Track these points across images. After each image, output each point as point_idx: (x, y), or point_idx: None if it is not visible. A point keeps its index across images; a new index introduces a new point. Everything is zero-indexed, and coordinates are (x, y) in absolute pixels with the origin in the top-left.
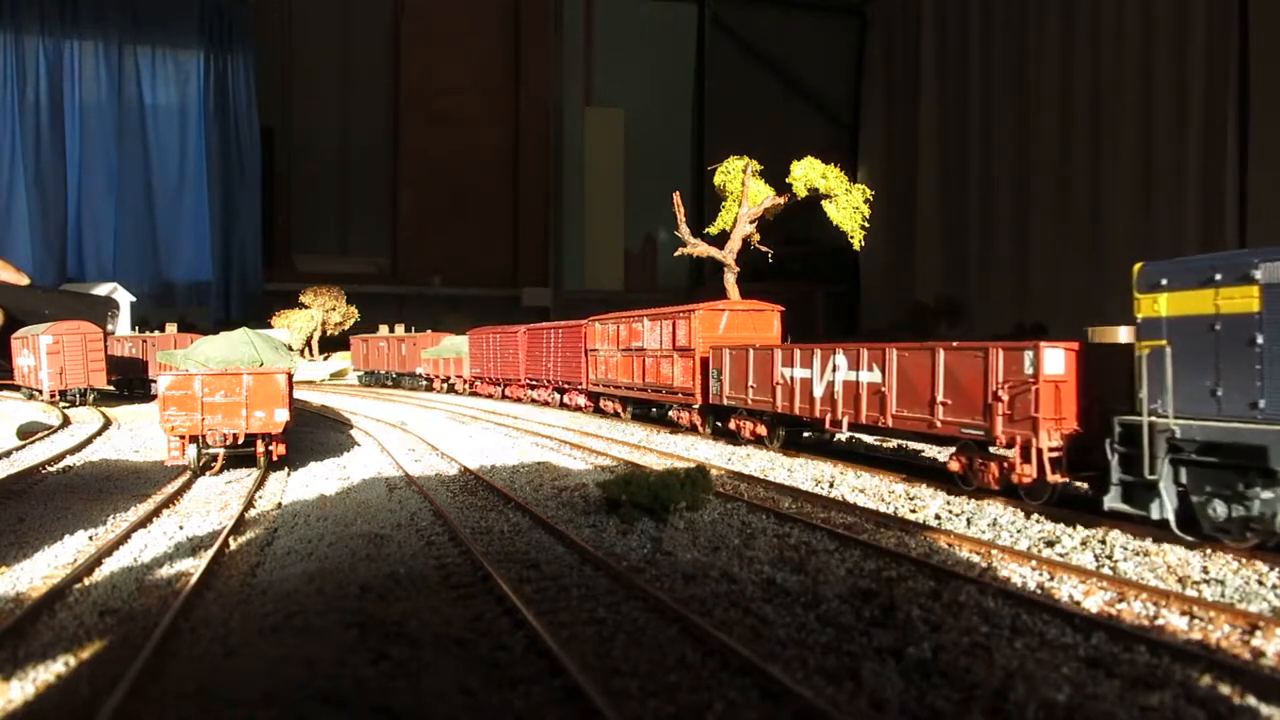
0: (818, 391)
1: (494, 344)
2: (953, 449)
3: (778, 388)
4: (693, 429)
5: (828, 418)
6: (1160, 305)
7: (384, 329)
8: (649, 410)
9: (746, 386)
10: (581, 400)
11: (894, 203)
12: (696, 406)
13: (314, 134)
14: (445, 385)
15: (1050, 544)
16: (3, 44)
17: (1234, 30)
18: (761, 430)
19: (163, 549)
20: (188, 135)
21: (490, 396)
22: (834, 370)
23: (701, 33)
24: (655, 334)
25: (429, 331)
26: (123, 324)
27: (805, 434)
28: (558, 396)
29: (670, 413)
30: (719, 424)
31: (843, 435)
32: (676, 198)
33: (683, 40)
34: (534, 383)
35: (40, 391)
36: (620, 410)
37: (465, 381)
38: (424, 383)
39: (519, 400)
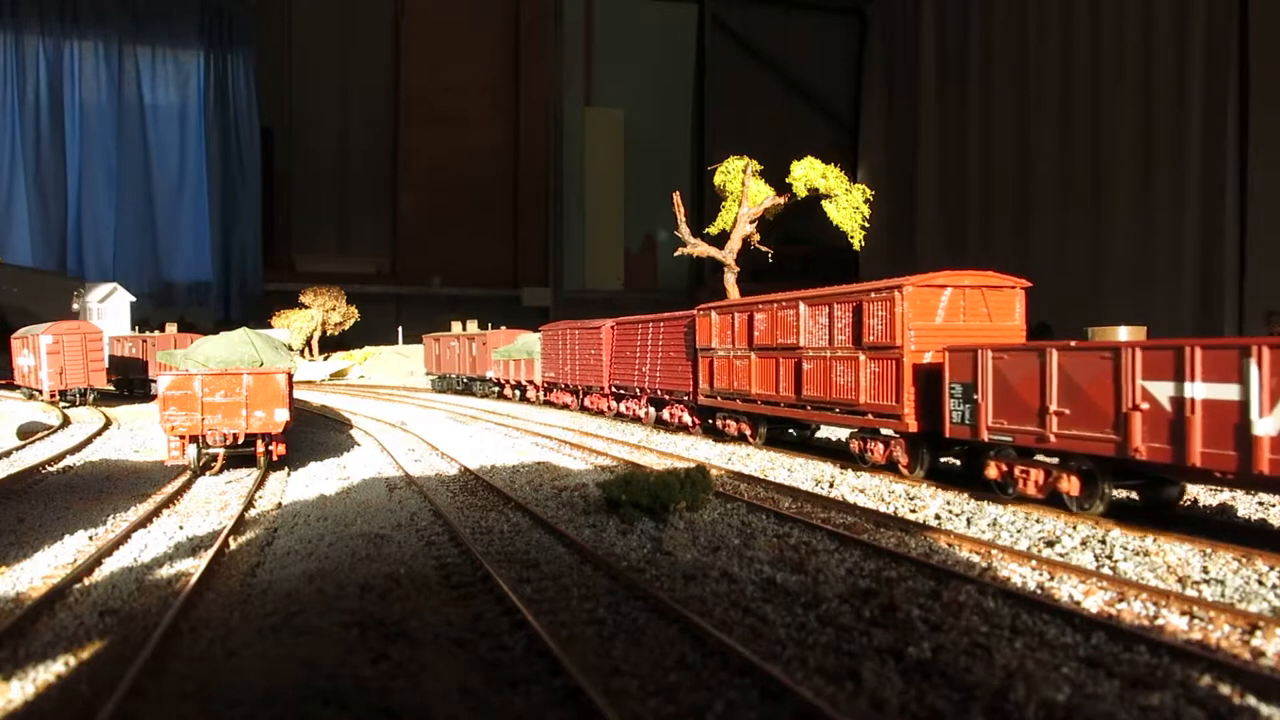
0: (1265, 427)
1: (571, 342)
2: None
3: (1132, 416)
4: (889, 467)
5: None
6: None
7: (456, 326)
8: (786, 432)
9: (1041, 413)
10: (687, 417)
11: (894, 203)
12: (905, 436)
13: (314, 134)
14: (517, 392)
15: (1050, 544)
16: (3, 44)
17: (1234, 30)
18: (1069, 485)
19: (163, 549)
20: (188, 135)
21: (566, 407)
22: None
23: (701, 33)
24: (820, 325)
25: (503, 328)
26: (123, 324)
27: (1129, 492)
28: (653, 411)
29: (842, 437)
30: (941, 461)
31: None
32: (676, 198)
33: (683, 40)
34: (622, 392)
35: (40, 391)
36: (749, 433)
37: (537, 388)
38: (495, 389)
39: (600, 414)
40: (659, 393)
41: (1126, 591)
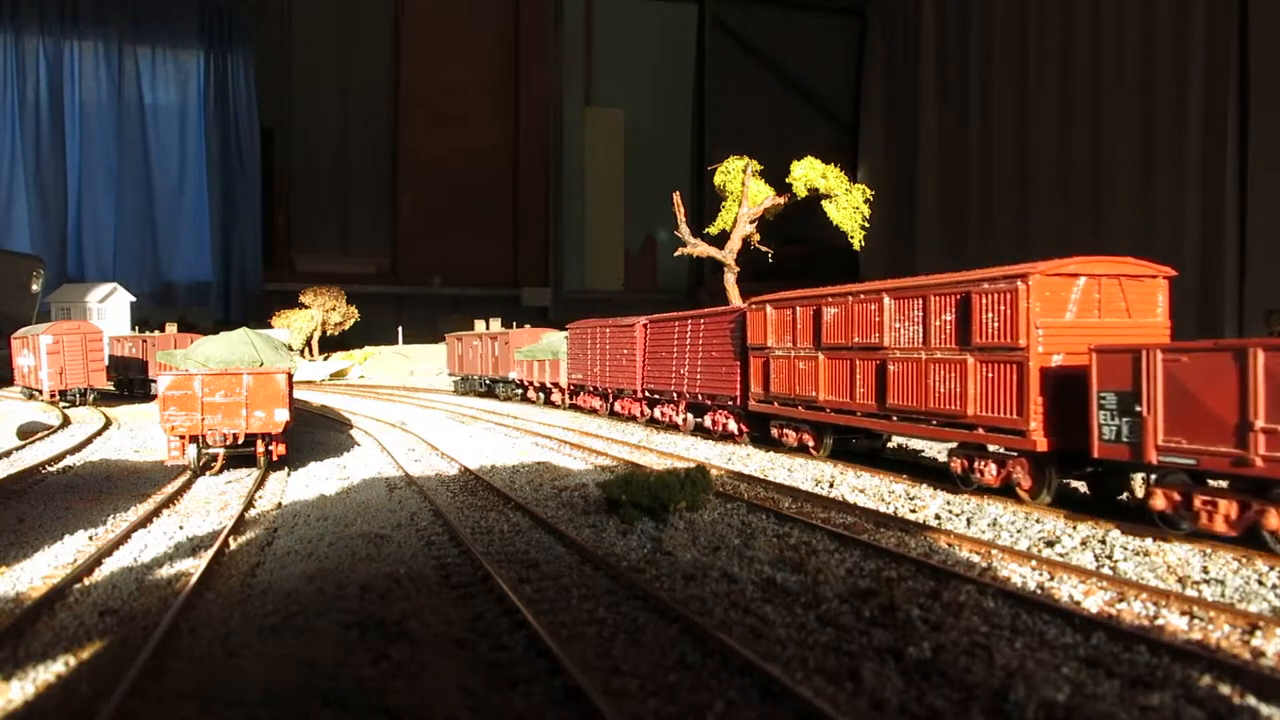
0: None
1: (600, 342)
2: None
3: None
4: (1004, 491)
5: None
6: None
7: (479, 324)
8: (851, 442)
9: (1240, 430)
10: (733, 425)
11: (894, 202)
12: (1028, 454)
13: (314, 134)
14: (541, 395)
15: (1050, 544)
16: (3, 44)
17: (1234, 30)
18: (1277, 521)
19: (163, 549)
20: (188, 135)
21: (594, 412)
22: None
23: (701, 33)
24: (911, 321)
25: (527, 327)
26: (123, 324)
27: None
28: (691, 418)
29: (921, 449)
30: (1067, 485)
31: None
32: (676, 198)
33: (683, 40)
34: (656, 396)
35: (40, 391)
36: (812, 444)
37: (562, 390)
38: (518, 391)
39: (633, 419)
40: (700, 397)
41: (1126, 591)
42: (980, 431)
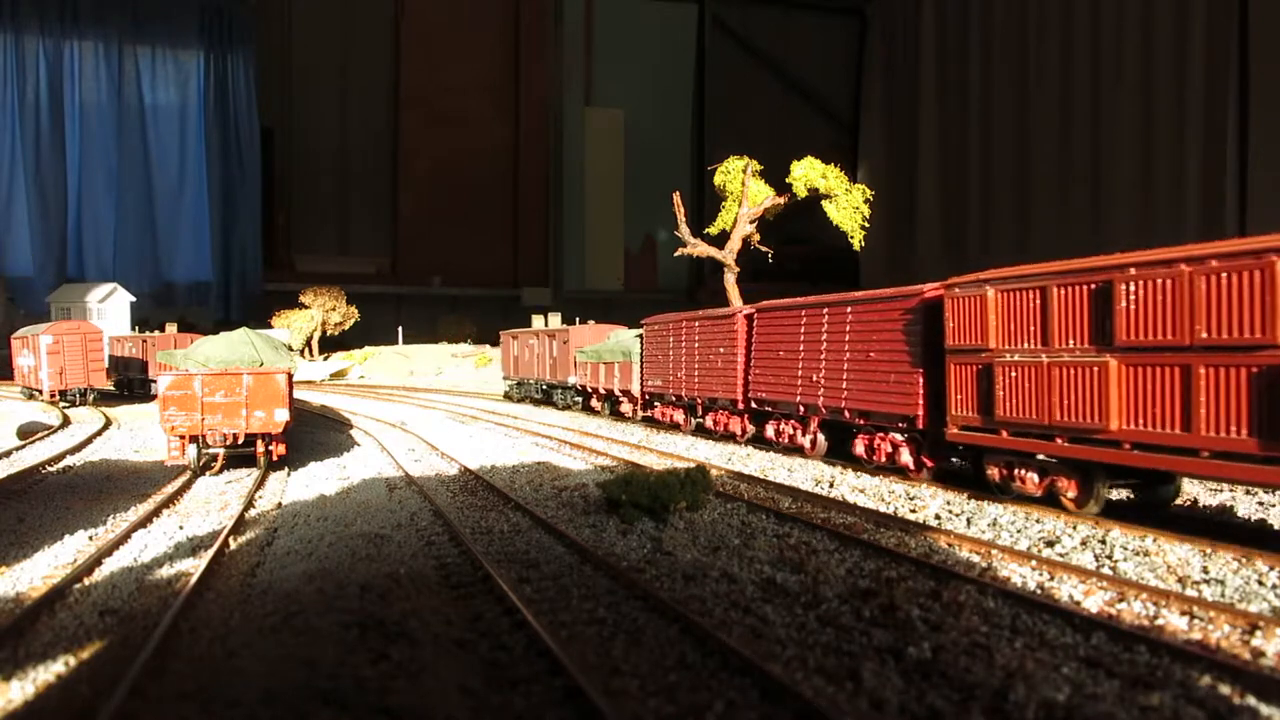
0: None
1: (685, 339)
2: None
3: None
4: None
5: None
6: None
7: (538, 320)
8: (1128, 497)
9: None
10: (906, 455)
11: (894, 202)
12: None
13: (314, 134)
14: (606, 405)
15: (1050, 544)
16: (3, 44)
17: (1234, 30)
18: None
19: (163, 549)
20: (188, 135)
21: (677, 428)
22: None
23: (701, 33)
24: None
25: (591, 323)
26: (123, 324)
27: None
28: (824, 441)
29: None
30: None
31: None
32: (676, 198)
33: (683, 40)
34: (770, 409)
35: (40, 391)
36: (1074, 493)
37: (634, 399)
38: (579, 399)
39: (733, 438)
40: (847, 414)
41: (1126, 591)
42: None
